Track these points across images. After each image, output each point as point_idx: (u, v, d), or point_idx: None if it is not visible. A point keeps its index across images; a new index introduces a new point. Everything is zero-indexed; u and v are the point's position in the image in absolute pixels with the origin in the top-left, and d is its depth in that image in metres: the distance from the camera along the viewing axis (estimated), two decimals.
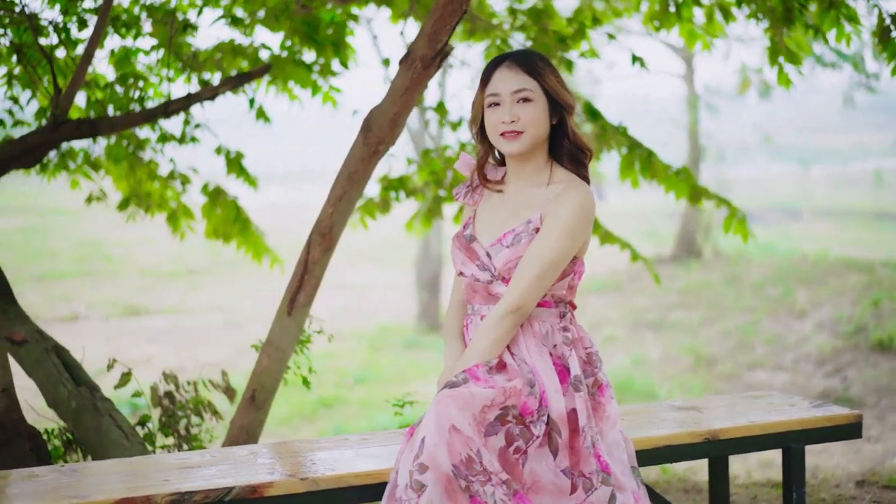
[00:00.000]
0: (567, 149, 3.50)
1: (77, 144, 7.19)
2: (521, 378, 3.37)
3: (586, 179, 3.53)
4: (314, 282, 4.79)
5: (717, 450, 4.05)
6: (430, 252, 16.95)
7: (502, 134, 3.45)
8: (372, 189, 6.96)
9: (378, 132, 4.62)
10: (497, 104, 3.46)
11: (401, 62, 4.52)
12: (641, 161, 6.03)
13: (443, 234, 16.53)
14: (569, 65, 6.30)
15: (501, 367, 3.42)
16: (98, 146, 7.21)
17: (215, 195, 7.11)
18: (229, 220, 7.13)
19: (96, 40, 5.57)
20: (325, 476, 3.54)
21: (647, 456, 3.91)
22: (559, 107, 3.47)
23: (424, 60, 4.46)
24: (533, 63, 3.47)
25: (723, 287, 15.38)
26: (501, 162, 3.64)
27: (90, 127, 5.77)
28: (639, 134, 6.28)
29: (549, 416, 3.34)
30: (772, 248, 19.24)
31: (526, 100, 3.44)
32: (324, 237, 4.75)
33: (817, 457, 8.82)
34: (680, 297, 15.13)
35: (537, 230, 3.40)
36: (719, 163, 20.77)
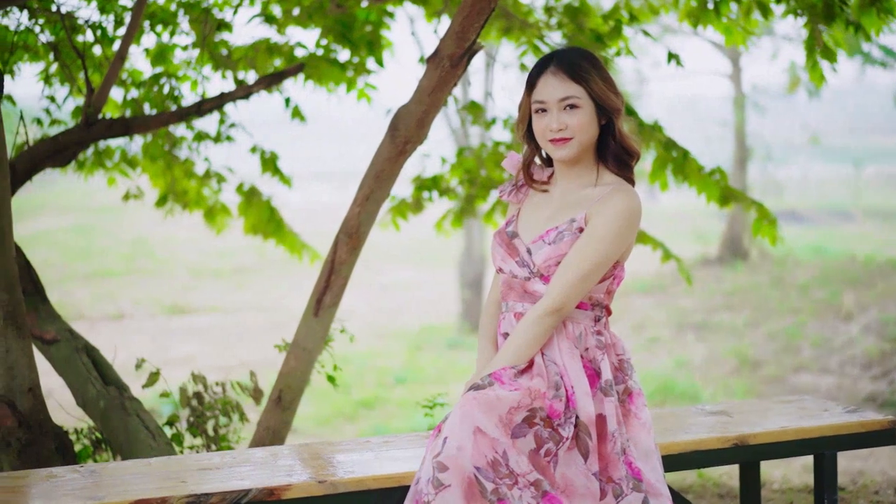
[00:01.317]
0: (613, 150, 3.44)
1: (114, 143, 7.23)
2: (544, 379, 3.32)
3: (631, 182, 3.47)
4: (341, 282, 4.76)
5: (746, 455, 3.97)
6: (473, 252, 16.88)
7: (551, 140, 3.40)
8: (405, 189, 6.94)
9: (405, 132, 4.57)
10: (544, 111, 3.40)
11: (428, 61, 4.48)
12: (675, 162, 5.94)
13: (485, 233, 16.47)
14: (605, 63, 6.22)
15: (528, 366, 3.37)
16: (135, 144, 7.25)
17: (250, 195, 7.13)
18: (264, 220, 7.15)
19: (129, 40, 5.57)
20: (343, 479, 3.50)
21: (674, 461, 3.85)
22: (607, 109, 3.41)
23: (452, 59, 4.41)
24: (578, 67, 3.40)
25: (769, 289, 15.19)
26: (548, 162, 3.59)
27: (122, 126, 5.77)
28: (685, 134, 6.20)
29: (577, 418, 3.28)
30: (821, 249, 19.02)
31: (573, 106, 3.38)
32: (351, 237, 4.71)
33: (864, 461, 8.67)
34: (725, 298, 14.96)
35: (581, 230, 3.34)
36: (767, 163, 20.52)
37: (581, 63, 3.40)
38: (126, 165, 7.30)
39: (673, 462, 3.83)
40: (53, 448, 4.50)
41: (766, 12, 5.70)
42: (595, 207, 3.35)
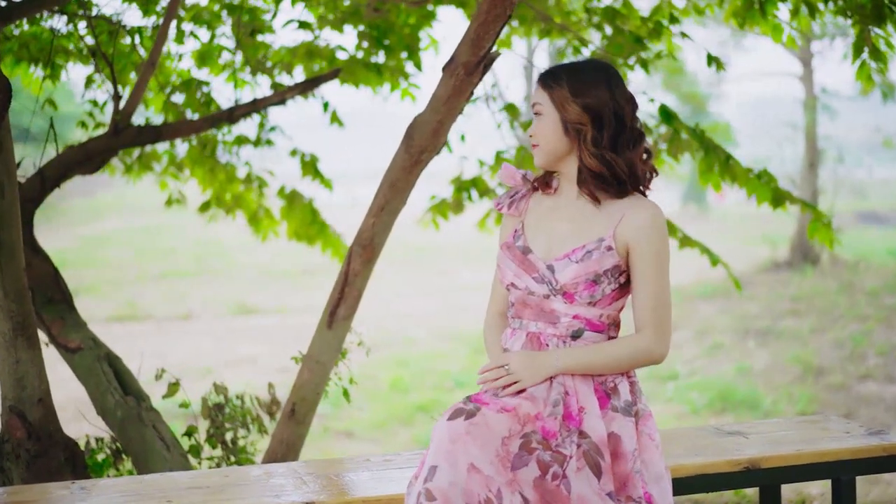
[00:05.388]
0: (580, 168, 3.32)
1: (161, 147, 7.26)
2: (536, 401, 3.21)
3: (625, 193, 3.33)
4: (355, 294, 4.68)
5: (758, 480, 3.81)
6: None
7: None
8: (446, 190, 6.86)
9: (420, 141, 4.47)
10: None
11: (443, 69, 4.38)
12: (720, 164, 5.80)
13: None
14: (644, 64, 6.09)
15: None
16: (181, 149, 7.26)
17: (292, 198, 7.11)
18: (306, 223, 7.12)
19: (160, 46, 5.55)
20: (329, 501, 3.42)
21: (681, 485, 3.70)
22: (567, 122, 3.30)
23: (467, 67, 4.30)
24: (551, 76, 3.33)
25: (837, 294, 14.85)
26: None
27: (152, 132, 5.75)
28: (757, 135, 6.03)
29: (581, 436, 3.16)
30: None
31: (538, 114, 3.34)
32: (365, 248, 4.63)
33: None
34: (792, 304, 14.63)
35: (609, 248, 3.25)
36: (838, 165, 20.04)
37: (559, 72, 3.31)
38: (175, 169, 7.34)
39: (680, 486, 3.69)
40: (63, 459, 4.47)
41: (813, 12, 5.53)
42: (626, 229, 3.26)
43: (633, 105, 3.33)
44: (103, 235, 26.06)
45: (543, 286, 3.30)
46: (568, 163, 3.34)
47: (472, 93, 4.47)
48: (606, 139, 3.26)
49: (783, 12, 5.75)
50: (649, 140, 6.05)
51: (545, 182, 3.43)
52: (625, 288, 3.33)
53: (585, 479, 3.13)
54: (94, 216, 28.91)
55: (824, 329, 13.18)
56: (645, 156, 3.35)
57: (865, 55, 5.24)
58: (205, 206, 7.43)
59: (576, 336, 3.29)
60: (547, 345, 3.30)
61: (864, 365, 11.67)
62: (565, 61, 4.06)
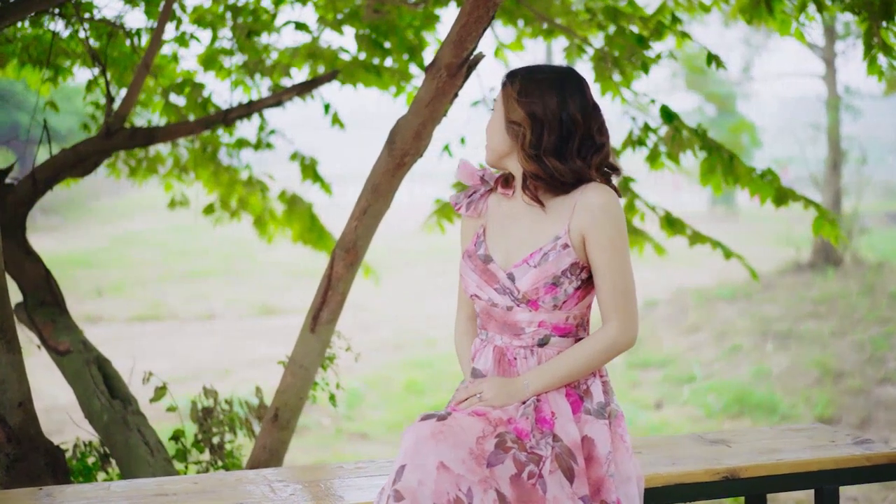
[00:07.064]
0: (523, 171, 3.26)
1: (164, 150, 7.25)
2: (503, 409, 3.16)
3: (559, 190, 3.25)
4: (338, 298, 4.62)
5: (737, 490, 3.73)
6: None
7: None
8: (448, 194, 6.81)
9: (402, 144, 4.42)
10: None
11: (426, 71, 4.32)
12: (723, 165, 5.73)
13: None
14: (645, 65, 6.02)
15: None
16: (186, 151, 7.25)
17: (292, 203, 7.08)
18: (306, 229, 7.09)
19: (154, 50, 5.52)
20: None
21: (657, 495, 3.63)
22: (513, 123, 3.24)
23: (450, 69, 4.24)
24: (510, 74, 3.29)
25: (858, 297, 14.69)
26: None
27: (145, 135, 5.72)
28: (780, 136, 5.97)
29: (555, 439, 3.11)
30: None
31: (493, 110, 3.31)
32: (348, 252, 4.58)
33: None
34: (813, 306, 14.49)
35: (565, 245, 3.18)
36: (863, 165, 19.77)
37: (518, 73, 3.26)
38: (180, 172, 7.33)
39: (656, 495, 3.62)
40: (43, 464, 4.44)
41: (821, 8, 5.45)
42: (579, 218, 3.18)
43: (590, 114, 3.23)
44: (132, 235, 26.17)
45: (506, 297, 3.24)
46: (515, 164, 3.27)
47: (456, 95, 4.42)
48: (549, 144, 3.18)
49: (790, 10, 5.67)
50: (650, 143, 5.98)
51: (506, 183, 3.37)
52: (589, 284, 3.25)
53: (558, 483, 3.07)
54: (124, 216, 29.04)
55: (845, 332, 13.04)
56: (609, 170, 3.28)
57: (874, 50, 5.17)
58: (209, 209, 7.41)
59: (542, 344, 3.23)
60: (514, 358, 3.25)
61: (883, 368, 11.54)
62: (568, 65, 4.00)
